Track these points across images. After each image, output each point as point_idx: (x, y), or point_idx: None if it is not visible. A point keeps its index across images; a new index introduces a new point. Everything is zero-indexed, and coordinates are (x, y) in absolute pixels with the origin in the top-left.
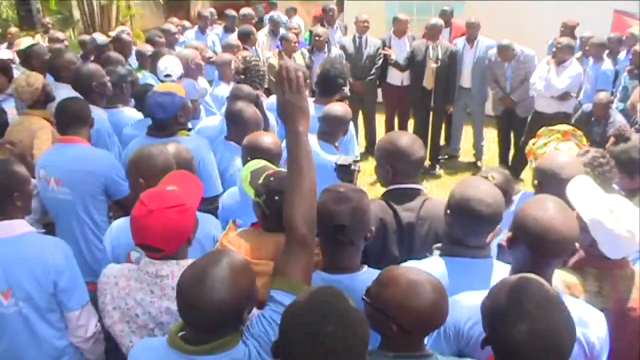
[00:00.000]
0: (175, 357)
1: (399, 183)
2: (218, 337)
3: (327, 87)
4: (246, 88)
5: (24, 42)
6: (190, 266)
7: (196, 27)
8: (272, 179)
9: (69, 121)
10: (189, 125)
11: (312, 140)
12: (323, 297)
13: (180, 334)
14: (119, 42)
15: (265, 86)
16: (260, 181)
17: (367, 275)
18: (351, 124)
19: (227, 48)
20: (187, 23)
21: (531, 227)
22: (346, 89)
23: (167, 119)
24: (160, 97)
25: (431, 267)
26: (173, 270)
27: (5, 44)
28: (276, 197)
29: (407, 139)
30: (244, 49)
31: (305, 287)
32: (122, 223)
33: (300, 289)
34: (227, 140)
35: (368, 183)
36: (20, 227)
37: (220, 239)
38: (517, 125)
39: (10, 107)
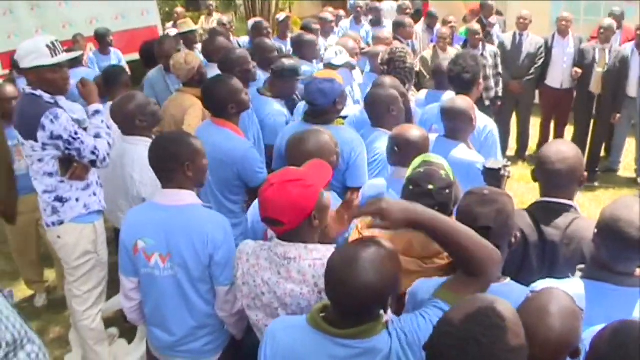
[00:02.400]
0: (318, 338)
1: (547, 196)
2: (361, 321)
3: (459, 85)
4: (389, 80)
5: (185, 24)
6: (340, 249)
7: (351, 17)
8: (422, 171)
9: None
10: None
11: (442, 141)
12: (481, 304)
13: (322, 315)
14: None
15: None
16: (418, 169)
17: (507, 289)
18: (494, 125)
19: (378, 40)
20: (342, 12)
21: None
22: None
23: (326, 105)
24: (321, 83)
25: (570, 288)
26: (301, 253)
27: (172, 23)
28: (411, 187)
29: (560, 147)
30: (397, 39)
31: None
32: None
33: None
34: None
35: (517, 190)
36: (188, 197)
37: (357, 228)
38: None
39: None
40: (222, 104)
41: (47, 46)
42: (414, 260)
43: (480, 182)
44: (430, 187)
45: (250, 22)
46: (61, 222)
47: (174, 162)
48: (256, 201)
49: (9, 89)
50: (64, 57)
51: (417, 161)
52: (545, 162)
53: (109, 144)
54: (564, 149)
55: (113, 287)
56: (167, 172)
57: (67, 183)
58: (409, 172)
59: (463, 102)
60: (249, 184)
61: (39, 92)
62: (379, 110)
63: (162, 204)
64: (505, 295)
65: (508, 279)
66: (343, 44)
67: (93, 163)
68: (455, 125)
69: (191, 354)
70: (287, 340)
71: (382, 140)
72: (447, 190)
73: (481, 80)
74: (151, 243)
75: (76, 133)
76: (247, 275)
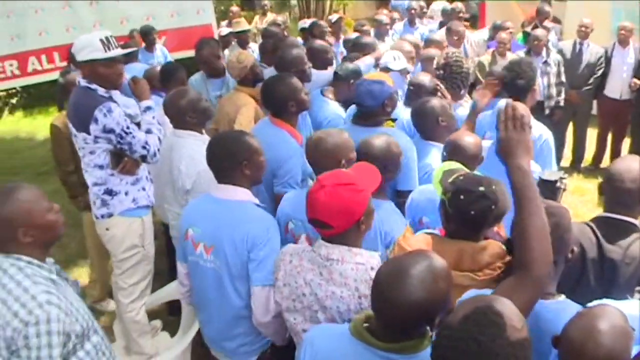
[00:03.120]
0: (360, 348)
1: (612, 212)
2: (406, 336)
3: (513, 92)
4: (425, 78)
5: (240, 23)
6: (389, 262)
7: (405, 19)
8: (462, 177)
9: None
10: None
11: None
12: (478, 304)
13: (365, 325)
14: (317, 27)
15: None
16: (450, 180)
17: (561, 306)
18: (550, 133)
19: (429, 43)
20: (397, 15)
21: None
22: (537, 94)
23: (375, 107)
24: (370, 85)
25: (626, 309)
26: (344, 255)
27: (227, 22)
28: (461, 197)
29: (631, 165)
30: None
31: None
32: (291, 194)
33: None
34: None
35: (570, 202)
36: (242, 194)
37: (398, 240)
38: None
39: None
40: (282, 102)
41: (101, 40)
42: (466, 275)
43: None
44: (482, 188)
45: (301, 23)
46: (110, 215)
47: (231, 161)
48: (287, 195)
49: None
50: (117, 52)
51: (438, 174)
52: (615, 179)
53: (159, 139)
54: (635, 166)
55: (157, 280)
56: (224, 170)
57: (117, 176)
58: (436, 186)
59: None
60: (274, 187)
61: (93, 86)
62: (428, 123)
63: (217, 197)
64: (559, 313)
65: (563, 296)
66: (399, 48)
67: (143, 158)
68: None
69: (226, 352)
70: (327, 348)
71: (432, 156)
72: (494, 187)
73: (536, 87)
74: (199, 232)
75: (128, 127)
76: (288, 277)
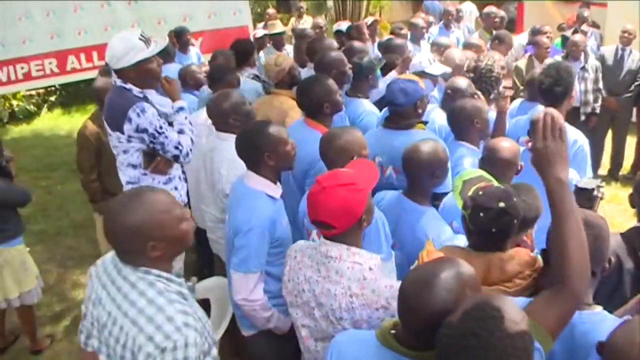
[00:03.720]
0: (387, 356)
1: None
2: (433, 345)
3: (550, 97)
4: (463, 82)
5: (276, 25)
6: (415, 269)
7: (441, 23)
8: (481, 192)
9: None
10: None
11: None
12: (476, 300)
13: (392, 332)
14: (356, 29)
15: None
16: (470, 193)
17: (598, 318)
18: (585, 139)
19: (468, 47)
20: (432, 19)
21: None
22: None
23: (407, 106)
24: (403, 83)
25: None
26: (342, 254)
27: (263, 24)
28: (481, 214)
29: None
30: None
31: (550, 339)
32: None
33: (544, 341)
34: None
35: (607, 211)
36: (258, 184)
37: (421, 254)
38: None
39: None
40: (317, 104)
41: (140, 39)
42: (496, 288)
43: None
44: (502, 205)
45: (336, 26)
46: None
47: (255, 152)
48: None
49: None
50: (159, 45)
51: (458, 185)
52: None
53: (191, 140)
54: None
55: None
56: (251, 160)
57: (149, 176)
58: (456, 198)
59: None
60: (305, 187)
61: (128, 86)
62: (462, 123)
63: (244, 181)
64: (595, 324)
65: (600, 308)
66: (448, 57)
67: (176, 158)
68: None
69: (236, 317)
70: (353, 353)
71: (462, 156)
72: (515, 199)
73: (573, 94)
74: (228, 204)
75: (161, 127)
76: (292, 272)
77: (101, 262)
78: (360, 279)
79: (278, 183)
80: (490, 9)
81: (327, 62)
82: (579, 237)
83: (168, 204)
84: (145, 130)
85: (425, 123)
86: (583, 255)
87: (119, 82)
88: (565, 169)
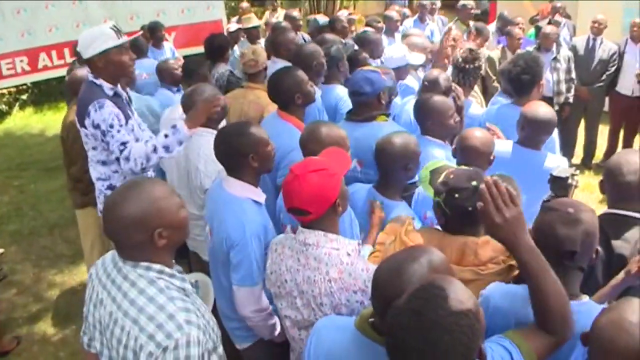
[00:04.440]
0: (364, 343)
1: (615, 208)
2: None
3: (518, 87)
4: (441, 74)
5: (250, 20)
6: (387, 259)
7: (416, 16)
8: (452, 176)
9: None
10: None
11: (515, 148)
12: (423, 281)
13: (370, 320)
14: (338, 22)
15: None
16: (440, 179)
17: (585, 308)
18: (555, 130)
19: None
20: (407, 11)
21: None
22: (541, 88)
23: (371, 95)
24: (367, 72)
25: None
26: (319, 240)
27: (236, 17)
28: (456, 195)
29: (630, 158)
30: None
31: (535, 357)
32: None
33: (528, 354)
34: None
35: (581, 199)
36: (242, 190)
37: (399, 234)
38: None
39: None
40: (288, 95)
41: (112, 29)
42: (469, 269)
43: None
44: (474, 183)
45: (320, 19)
46: None
47: (238, 155)
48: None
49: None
50: (126, 38)
51: (425, 174)
52: (615, 173)
53: (147, 157)
54: (634, 159)
55: None
56: (233, 164)
57: (120, 173)
58: (426, 189)
59: (549, 111)
60: (277, 178)
61: (99, 81)
62: (428, 119)
63: (223, 186)
64: (583, 315)
65: (586, 298)
66: (411, 43)
67: (117, 159)
68: (538, 134)
69: (228, 330)
70: (331, 338)
71: (438, 150)
72: (457, 195)
73: (542, 82)
74: (207, 213)
75: (112, 126)
76: (274, 264)
77: (101, 261)
78: (338, 263)
79: (258, 187)
80: (466, 0)
81: (305, 54)
82: (557, 289)
83: (166, 191)
84: (98, 126)
85: (388, 115)
86: (563, 303)
87: (90, 77)
88: (527, 231)
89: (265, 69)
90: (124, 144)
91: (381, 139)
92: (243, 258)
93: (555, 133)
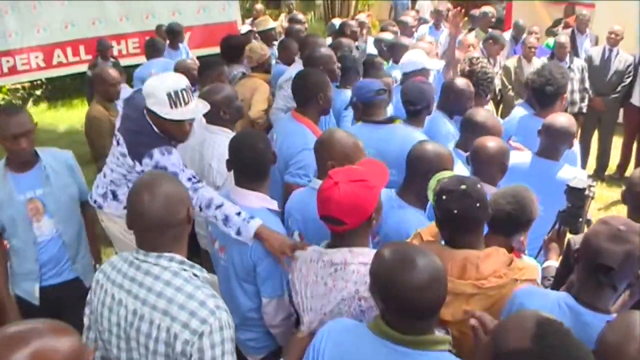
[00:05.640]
0: (376, 341)
1: (635, 220)
2: (417, 330)
3: (541, 98)
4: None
5: (265, 22)
6: (392, 249)
7: (431, 22)
8: (446, 179)
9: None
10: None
11: (533, 158)
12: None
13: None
14: (347, 26)
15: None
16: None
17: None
18: (576, 141)
19: (459, 45)
20: (426, 16)
21: None
22: (565, 99)
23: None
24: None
25: None
26: (346, 257)
27: (251, 19)
28: (444, 197)
29: None
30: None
31: None
32: (297, 192)
33: None
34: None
35: (592, 210)
36: (257, 200)
37: (418, 230)
38: None
39: None
40: (311, 92)
41: (168, 95)
42: (470, 283)
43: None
44: (463, 187)
45: (337, 22)
46: (100, 208)
47: (264, 166)
48: (295, 192)
49: (113, 73)
50: (180, 114)
51: (433, 183)
52: (636, 185)
53: (207, 204)
54: None
55: None
56: (253, 171)
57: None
58: (430, 194)
59: (567, 120)
60: (284, 176)
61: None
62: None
63: (234, 199)
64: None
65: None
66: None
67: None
68: (555, 143)
69: (238, 341)
70: (343, 339)
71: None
72: (479, 185)
73: (566, 95)
74: (213, 230)
75: (183, 171)
76: (298, 282)
77: (108, 266)
78: (367, 281)
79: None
80: (488, 8)
81: (314, 58)
82: None
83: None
84: (164, 168)
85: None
86: None
87: (150, 121)
88: None
89: (264, 63)
90: (195, 177)
91: (418, 145)
92: (272, 270)
93: (577, 147)
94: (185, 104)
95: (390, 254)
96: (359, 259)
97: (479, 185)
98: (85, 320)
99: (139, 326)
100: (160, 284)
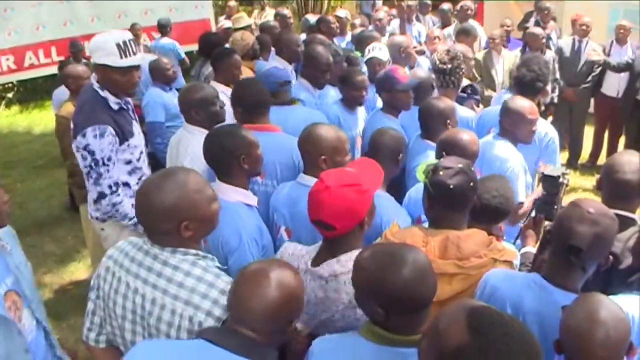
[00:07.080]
0: (377, 350)
1: (609, 206)
2: (417, 327)
3: (530, 91)
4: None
5: (242, 19)
6: (375, 249)
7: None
8: (442, 159)
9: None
10: None
11: (500, 144)
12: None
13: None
14: (324, 23)
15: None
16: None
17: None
18: (555, 132)
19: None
20: (394, 12)
21: None
22: (547, 93)
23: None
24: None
25: (624, 303)
26: (334, 269)
27: (224, 16)
28: (440, 172)
29: (632, 158)
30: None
31: None
32: (282, 187)
33: None
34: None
35: (567, 199)
36: (235, 194)
37: (384, 233)
38: None
39: None
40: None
41: (117, 45)
42: (452, 262)
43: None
44: (460, 165)
45: (311, 18)
46: (103, 220)
47: (230, 157)
48: (279, 187)
49: (81, 69)
50: (132, 61)
51: (422, 167)
52: (616, 171)
53: (123, 217)
54: (635, 160)
55: None
56: (224, 166)
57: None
58: (420, 177)
59: (527, 103)
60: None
61: (104, 93)
62: (434, 123)
63: (217, 194)
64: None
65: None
66: (393, 43)
67: (101, 196)
68: (512, 126)
69: None
70: (338, 355)
71: (428, 156)
72: (473, 169)
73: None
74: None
75: (109, 159)
76: None
77: (117, 252)
78: None
79: (249, 190)
80: (465, 3)
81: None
82: None
83: (200, 183)
84: (92, 153)
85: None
86: None
87: (95, 85)
88: None
89: (248, 51)
90: (116, 185)
91: (376, 131)
92: (243, 263)
93: (558, 143)
94: (134, 53)
95: (374, 257)
96: (349, 267)
97: (472, 168)
98: (90, 305)
99: (159, 315)
100: (181, 274)
